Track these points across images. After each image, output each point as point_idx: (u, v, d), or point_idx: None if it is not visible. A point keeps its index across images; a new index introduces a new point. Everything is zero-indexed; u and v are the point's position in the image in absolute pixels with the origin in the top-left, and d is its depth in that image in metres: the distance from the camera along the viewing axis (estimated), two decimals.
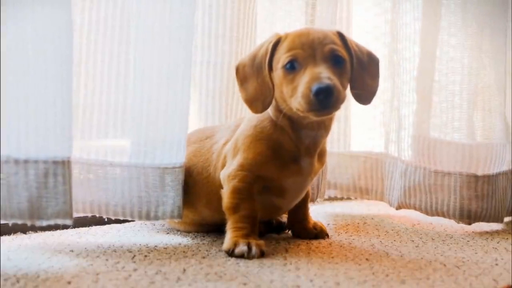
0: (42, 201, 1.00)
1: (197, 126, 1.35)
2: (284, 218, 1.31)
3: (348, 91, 1.10)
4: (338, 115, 1.59)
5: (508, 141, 1.46)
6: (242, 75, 1.12)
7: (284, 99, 1.08)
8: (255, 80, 1.10)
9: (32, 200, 0.99)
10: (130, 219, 1.17)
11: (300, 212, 1.24)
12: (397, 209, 1.48)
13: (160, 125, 1.15)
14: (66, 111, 1.02)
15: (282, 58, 1.06)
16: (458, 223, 1.41)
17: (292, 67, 1.05)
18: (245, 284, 0.89)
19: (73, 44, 1.14)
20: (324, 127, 1.13)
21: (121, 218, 1.17)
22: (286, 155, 1.11)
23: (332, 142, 1.60)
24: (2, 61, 0.97)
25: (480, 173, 1.39)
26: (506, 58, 1.48)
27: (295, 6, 1.52)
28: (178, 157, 1.16)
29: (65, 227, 1.26)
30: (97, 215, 1.17)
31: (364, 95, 1.13)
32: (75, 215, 1.23)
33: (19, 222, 0.99)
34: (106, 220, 1.28)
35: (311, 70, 1.02)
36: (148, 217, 1.16)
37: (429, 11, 1.44)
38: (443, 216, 1.41)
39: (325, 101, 0.99)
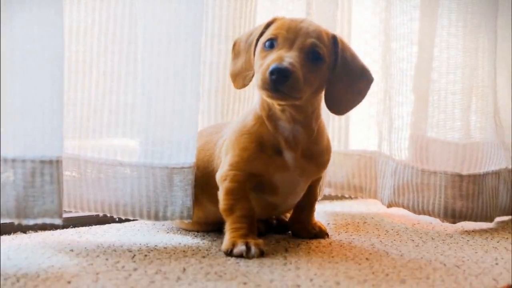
0: (29, 200, 0.99)
1: None
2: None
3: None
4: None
5: (501, 140, 1.47)
6: (237, 50, 1.15)
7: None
8: (244, 56, 1.12)
9: (19, 199, 0.99)
10: (139, 219, 1.18)
11: (303, 213, 1.24)
12: (388, 207, 1.49)
13: (168, 125, 1.15)
14: (56, 110, 1.02)
15: (265, 35, 1.08)
16: (443, 222, 1.42)
17: (270, 46, 1.06)
18: (245, 283, 0.89)
19: (85, 44, 1.16)
20: (299, 123, 1.11)
21: (131, 218, 1.18)
22: (268, 148, 1.11)
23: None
24: None
25: (465, 172, 1.40)
26: (497, 57, 1.49)
27: (296, 5, 1.52)
28: (187, 157, 1.16)
29: (65, 226, 1.26)
30: (108, 215, 1.17)
31: (338, 105, 1.12)
32: (84, 213, 1.24)
33: (6, 221, 1.00)
34: (106, 219, 1.28)
35: (280, 52, 1.03)
36: (156, 217, 1.16)
37: (426, 11, 1.44)
38: (429, 215, 1.42)
39: (277, 82, 0.99)
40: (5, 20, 0.97)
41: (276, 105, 1.08)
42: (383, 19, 1.54)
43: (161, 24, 1.14)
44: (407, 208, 1.45)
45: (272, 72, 0.99)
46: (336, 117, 1.58)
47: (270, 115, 1.11)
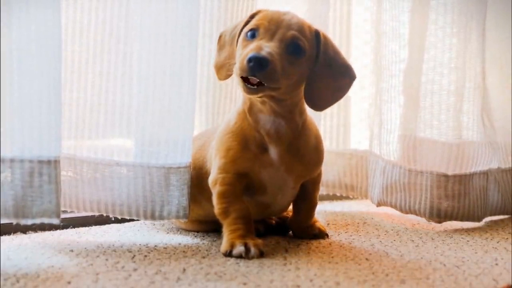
0: (27, 200, 1.00)
1: None
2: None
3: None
4: (333, 113, 1.60)
5: (490, 141, 1.47)
6: (222, 42, 1.16)
7: None
8: (228, 48, 1.13)
9: (17, 199, 0.99)
10: (135, 218, 1.18)
11: (303, 215, 1.23)
12: (377, 206, 1.50)
13: (164, 125, 1.16)
14: (54, 110, 1.02)
15: (248, 26, 1.08)
16: (429, 221, 1.43)
17: (252, 36, 1.06)
18: (245, 284, 0.89)
19: (81, 44, 1.15)
20: (281, 116, 1.10)
21: (127, 218, 1.18)
22: (252, 144, 1.11)
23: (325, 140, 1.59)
24: None
25: (451, 172, 1.40)
26: (490, 57, 1.51)
27: (293, 5, 1.52)
28: (183, 157, 1.16)
29: (64, 226, 1.26)
30: (104, 214, 1.17)
31: (317, 101, 1.11)
32: (84, 214, 1.25)
33: (5, 221, 1.00)
34: (106, 219, 1.28)
35: (260, 42, 1.03)
36: (153, 217, 1.16)
37: (417, 12, 1.45)
38: (416, 214, 1.43)
39: (254, 69, 0.99)
40: (3, 21, 0.97)
41: (245, 92, 1.05)
42: (374, 20, 1.55)
43: (157, 24, 1.14)
44: (395, 207, 1.46)
45: (250, 60, 0.99)
46: (328, 115, 1.59)
47: (251, 108, 1.11)
